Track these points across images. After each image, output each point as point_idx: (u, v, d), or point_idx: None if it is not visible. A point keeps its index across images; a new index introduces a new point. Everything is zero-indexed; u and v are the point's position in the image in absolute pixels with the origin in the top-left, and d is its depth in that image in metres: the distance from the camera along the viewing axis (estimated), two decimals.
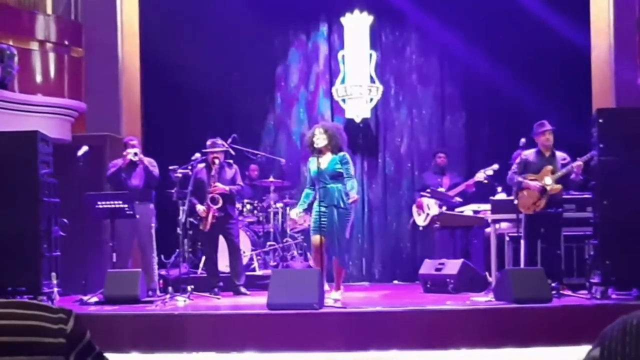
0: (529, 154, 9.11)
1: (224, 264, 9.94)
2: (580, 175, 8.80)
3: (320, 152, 8.43)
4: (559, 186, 8.85)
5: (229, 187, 9.66)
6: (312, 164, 8.49)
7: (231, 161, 10.12)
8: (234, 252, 9.81)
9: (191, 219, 10.00)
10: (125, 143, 9.99)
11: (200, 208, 9.62)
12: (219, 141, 9.96)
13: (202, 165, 9.81)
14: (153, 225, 9.66)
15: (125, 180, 9.70)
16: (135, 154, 9.68)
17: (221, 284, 9.68)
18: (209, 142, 9.89)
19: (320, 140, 8.45)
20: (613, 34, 11.04)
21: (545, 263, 8.65)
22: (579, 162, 8.72)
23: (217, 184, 9.58)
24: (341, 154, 8.56)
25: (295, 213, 8.92)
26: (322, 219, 8.27)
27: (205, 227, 9.63)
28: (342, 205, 8.36)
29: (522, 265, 8.86)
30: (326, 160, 8.46)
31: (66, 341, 1.99)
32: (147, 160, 9.79)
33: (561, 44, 11.46)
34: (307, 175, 8.69)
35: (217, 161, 9.65)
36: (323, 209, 8.31)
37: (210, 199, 9.54)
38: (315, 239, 8.40)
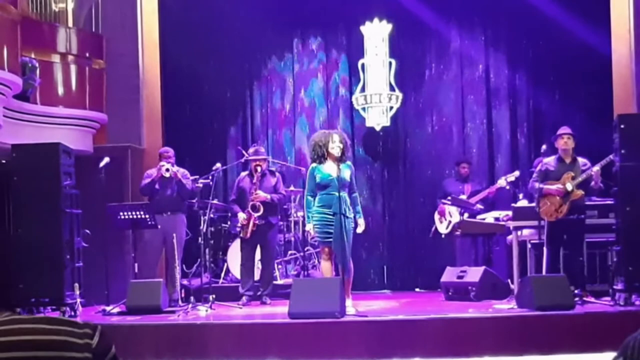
0: (550, 161, 9.07)
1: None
2: (600, 182, 8.76)
3: (328, 158, 8.40)
4: (580, 191, 8.81)
5: (271, 195, 9.67)
6: (325, 169, 8.44)
7: (274, 169, 10.16)
8: (269, 261, 9.84)
9: (212, 229, 10.04)
10: (160, 154, 10.04)
11: (241, 216, 9.65)
12: (262, 149, 10.03)
13: (245, 173, 9.93)
14: (174, 235, 9.71)
15: (159, 190, 9.75)
16: (168, 169, 9.69)
17: (251, 292, 9.70)
18: (251, 150, 10.00)
19: (339, 148, 8.42)
20: (634, 39, 10.99)
21: (568, 270, 8.62)
22: (596, 168, 8.68)
23: (259, 192, 9.61)
24: (349, 163, 8.59)
25: (312, 228, 8.78)
26: (330, 229, 8.25)
27: (245, 235, 9.66)
28: (347, 214, 8.34)
29: (544, 273, 8.82)
30: (336, 168, 8.40)
31: (92, 356, 2.02)
32: (181, 172, 9.83)
33: (582, 50, 11.42)
34: (310, 181, 8.54)
35: (259, 169, 9.68)
36: (330, 216, 8.30)
37: (251, 206, 9.56)
38: (327, 248, 8.41)
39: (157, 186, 9.76)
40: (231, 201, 10.03)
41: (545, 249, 8.89)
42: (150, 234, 9.60)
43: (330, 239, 8.30)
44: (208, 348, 7.51)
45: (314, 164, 8.55)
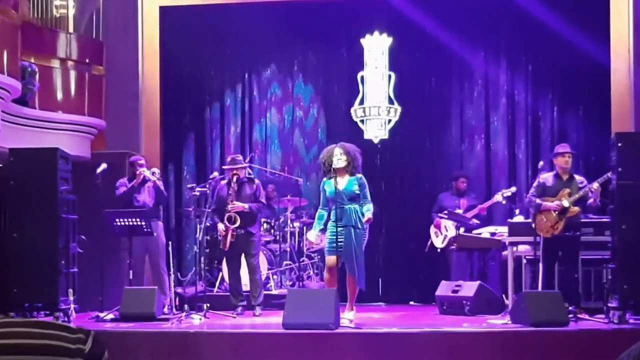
0: (547, 177, 9.10)
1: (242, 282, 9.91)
2: (599, 201, 8.76)
3: (336, 172, 8.43)
4: (576, 208, 8.82)
5: (249, 205, 9.51)
6: (329, 184, 8.47)
7: (252, 176, 10.06)
8: (252, 271, 9.66)
9: (207, 237, 10.01)
10: (132, 162, 10.02)
11: (220, 227, 9.53)
12: (239, 157, 9.93)
13: (223, 182, 9.78)
14: (164, 241, 9.75)
15: (134, 198, 9.75)
16: (154, 172, 9.72)
17: (244, 302, 9.64)
18: (229, 159, 9.88)
19: (341, 161, 8.44)
20: (633, 58, 11.04)
21: (563, 286, 8.62)
22: (596, 185, 8.69)
23: (235, 202, 9.45)
24: (358, 175, 8.56)
25: (313, 236, 8.84)
26: (339, 240, 8.27)
27: (224, 247, 9.54)
28: (359, 225, 8.36)
29: (539, 289, 8.82)
30: (344, 181, 8.44)
31: None
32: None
33: (582, 67, 11.47)
34: (322, 195, 8.67)
35: (235, 178, 9.55)
36: (340, 229, 8.29)
37: (227, 218, 9.43)
38: (331, 259, 8.40)
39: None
40: (211, 211, 9.78)
41: (540, 265, 8.90)
42: (134, 242, 9.51)
43: (335, 250, 8.31)
44: (201, 357, 7.49)
45: (324, 179, 8.61)
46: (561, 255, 8.88)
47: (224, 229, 9.46)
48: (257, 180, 9.98)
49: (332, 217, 8.44)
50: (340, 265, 8.37)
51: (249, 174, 10.10)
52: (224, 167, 9.85)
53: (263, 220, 10.99)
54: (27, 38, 10.50)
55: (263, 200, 9.83)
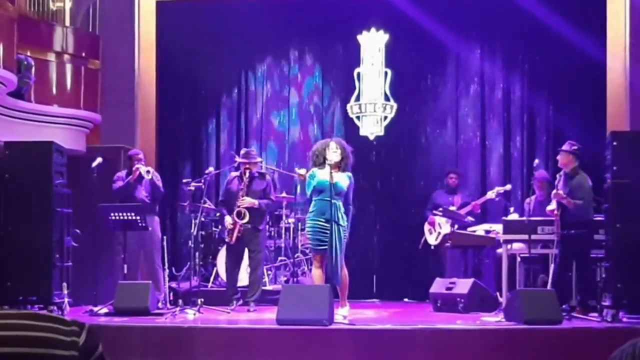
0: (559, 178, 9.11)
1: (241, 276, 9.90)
2: (565, 199, 8.67)
3: (327, 166, 8.40)
4: (550, 206, 8.82)
5: (259, 201, 9.47)
6: (322, 174, 8.41)
7: (264, 171, 10.01)
8: (256, 266, 9.63)
9: (202, 232, 9.99)
10: (130, 156, 9.99)
11: (228, 220, 9.49)
12: (253, 151, 9.89)
13: (235, 174, 9.75)
14: (159, 236, 9.74)
15: (131, 193, 9.73)
16: (148, 171, 9.71)
17: (238, 296, 9.62)
18: (242, 152, 9.84)
19: (336, 155, 8.42)
20: (629, 57, 11.06)
21: (557, 285, 8.63)
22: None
23: (245, 198, 9.43)
24: (349, 173, 8.56)
25: (302, 171, 8.76)
26: (325, 235, 8.25)
27: (231, 240, 9.51)
28: (341, 222, 8.34)
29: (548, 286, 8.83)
30: (337, 175, 8.40)
31: (78, 354, 2.01)
32: (155, 175, 9.85)
33: (578, 65, 11.47)
34: (310, 181, 8.53)
35: (248, 172, 9.50)
36: (323, 223, 8.28)
37: (237, 213, 9.40)
38: (319, 257, 8.41)
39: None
40: (219, 202, 9.88)
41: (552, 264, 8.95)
42: (129, 237, 9.49)
43: (322, 247, 8.30)
44: (195, 352, 7.49)
45: (314, 168, 8.56)
46: (554, 255, 8.88)
47: (231, 222, 9.43)
48: (268, 176, 9.92)
49: (313, 208, 8.44)
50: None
51: (261, 168, 10.05)
52: (237, 159, 9.77)
53: None
54: (24, 31, 10.48)
55: (273, 197, 9.79)
